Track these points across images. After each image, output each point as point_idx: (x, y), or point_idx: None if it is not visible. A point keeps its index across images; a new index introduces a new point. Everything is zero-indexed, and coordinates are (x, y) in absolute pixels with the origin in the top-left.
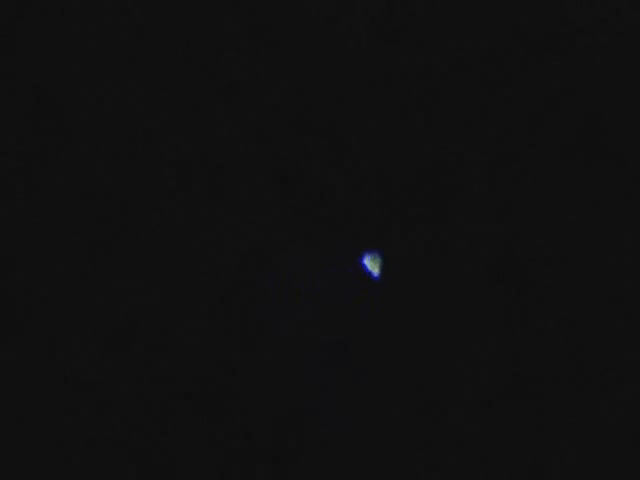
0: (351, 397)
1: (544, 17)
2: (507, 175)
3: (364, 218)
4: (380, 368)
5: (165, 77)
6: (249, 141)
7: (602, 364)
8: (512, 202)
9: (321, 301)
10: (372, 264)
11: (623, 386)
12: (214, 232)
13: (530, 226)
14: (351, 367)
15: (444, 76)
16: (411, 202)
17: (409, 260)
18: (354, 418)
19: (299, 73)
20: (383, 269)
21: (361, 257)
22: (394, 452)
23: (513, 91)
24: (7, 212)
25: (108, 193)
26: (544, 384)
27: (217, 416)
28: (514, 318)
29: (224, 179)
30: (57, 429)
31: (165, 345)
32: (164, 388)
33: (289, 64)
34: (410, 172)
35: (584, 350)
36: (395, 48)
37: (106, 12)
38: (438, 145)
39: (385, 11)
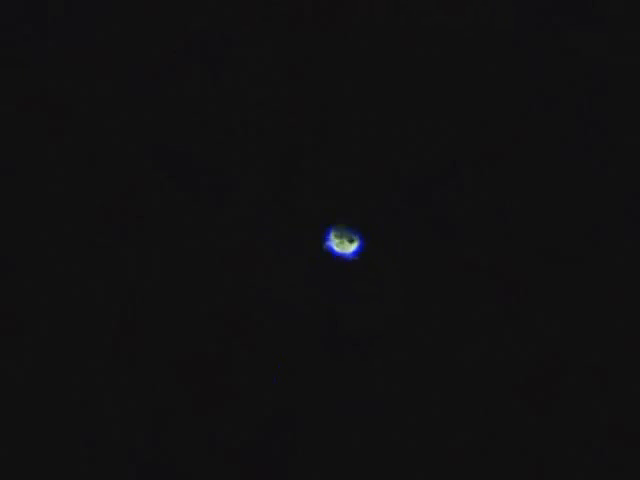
0: (350, 396)
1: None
2: (505, 173)
3: (361, 217)
4: (379, 367)
5: (164, 76)
6: (248, 141)
7: (602, 363)
8: (511, 200)
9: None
10: (340, 244)
11: (623, 386)
12: (212, 232)
13: (528, 225)
14: (349, 365)
15: (443, 75)
16: (409, 201)
17: (408, 260)
18: (353, 417)
19: (298, 73)
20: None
21: (327, 243)
22: (394, 452)
23: (511, 89)
24: (7, 212)
25: (107, 192)
26: (543, 384)
27: (217, 415)
28: (513, 317)
29: (223, 179)
30: (56, 428)
31: (164, 344)
32: (163, 388)
33: (287, 64)
34: (408, 170)
35: (584, 349)
36: (393, 48)
37: (105, 12)
38: (437, 143)
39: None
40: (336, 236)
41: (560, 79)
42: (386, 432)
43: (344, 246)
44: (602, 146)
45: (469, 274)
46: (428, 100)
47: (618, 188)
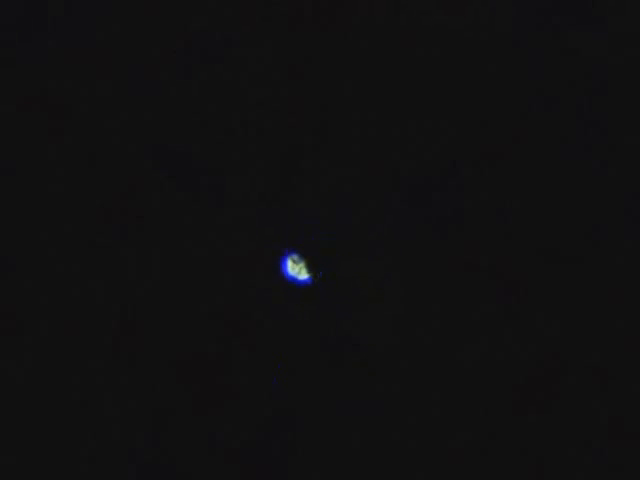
0: (350, 396)
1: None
2: (505, 173)
3: (361, 218)
4: (379, 367)
5: (164, 76)
6: (248, 141)
7: (602, 363)
8: (511, 200)
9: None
10: (294, 267)
11: (623, 386)
12: (212, 232)
13: (528, 225)
14: (349, 365)
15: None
16: (409, 201)
17: (406, 262)
18: (353, 418)
19: (298, 73)
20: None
21: (284, 262)
22: (394, 452)
23: (510, 88)
24: (7, 211)
25: (107, 192)
26: (543, 384)
27: (217, 415)
28: (513, 317)
29: (223, 179)
30: (57, 428)
31: (164, 344)
32: (163, 388)
33: (287, 64)
34: (408, 170)
35: (584, 349)
36: (392, 49)
37: (105, 12)
38: (436, 143)
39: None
40: (293, 261)
41: (560, 79)
42: (386, 432)
43: (299, 271)
44: (602, 146)
45: (469, 274)
46: (428, 100)
47: (618, 188)
